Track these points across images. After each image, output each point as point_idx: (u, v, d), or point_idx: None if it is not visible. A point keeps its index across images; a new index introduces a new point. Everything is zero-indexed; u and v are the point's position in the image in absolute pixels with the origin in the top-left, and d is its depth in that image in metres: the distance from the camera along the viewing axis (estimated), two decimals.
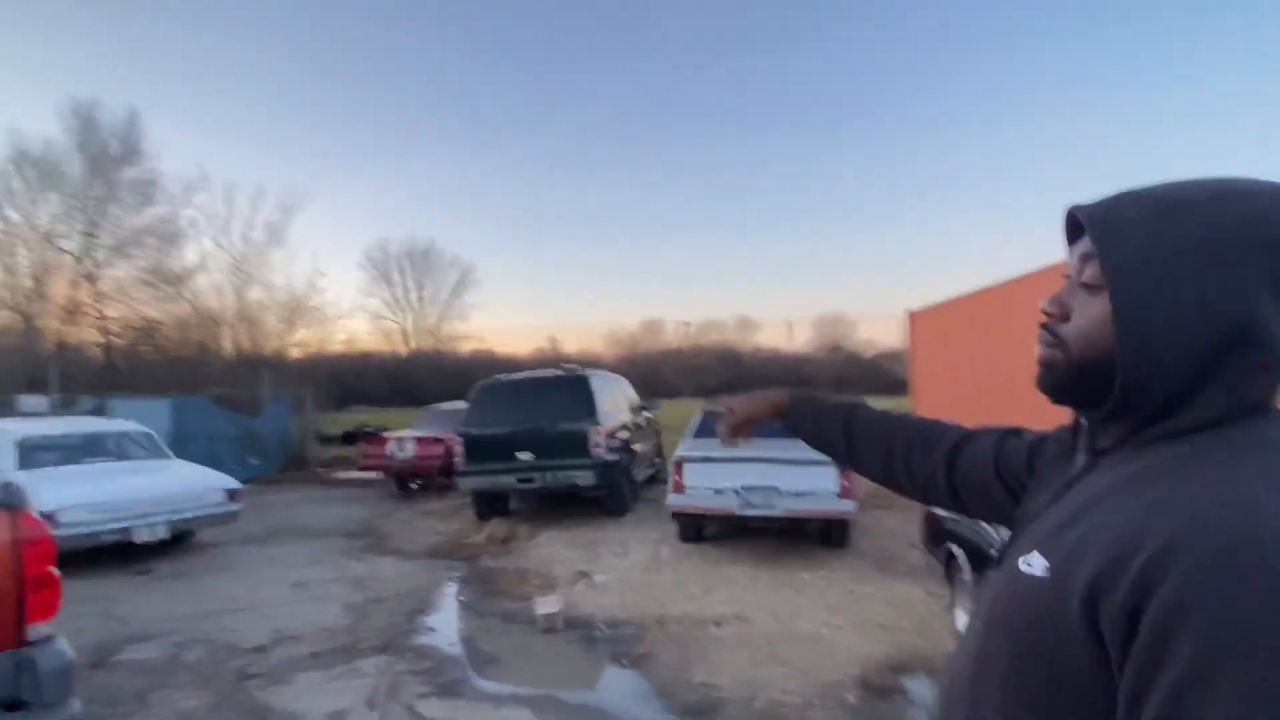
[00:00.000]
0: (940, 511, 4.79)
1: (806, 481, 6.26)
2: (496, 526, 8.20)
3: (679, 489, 6.62)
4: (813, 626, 4.87)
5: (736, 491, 6.37)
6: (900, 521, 8.06)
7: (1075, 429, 0.85)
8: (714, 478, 6.50)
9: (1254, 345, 0.65)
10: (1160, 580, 0.57)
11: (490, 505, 8.85)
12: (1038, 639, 0.67)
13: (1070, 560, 0.65)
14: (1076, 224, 0.78)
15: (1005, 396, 8.10)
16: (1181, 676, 0.55)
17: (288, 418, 15.01)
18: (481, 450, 8.55)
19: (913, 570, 6.09)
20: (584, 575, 6.27)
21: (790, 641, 4.61)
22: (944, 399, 10.20)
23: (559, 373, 9.01)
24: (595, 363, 9.49)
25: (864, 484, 10.33)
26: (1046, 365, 0.78)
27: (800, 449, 6.63)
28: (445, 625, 5.33)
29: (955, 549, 4.29)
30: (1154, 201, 0.71)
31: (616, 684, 4.14)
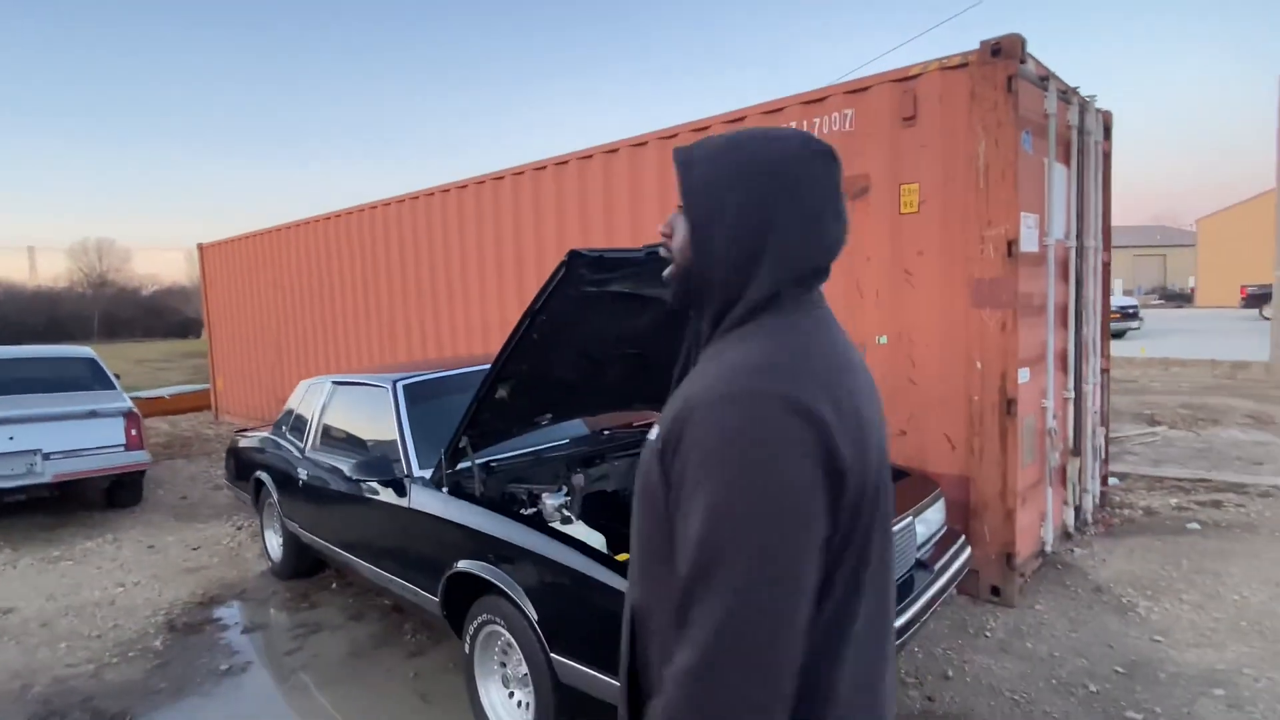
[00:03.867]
0: (245, 443, 4.96)
1: (83, 438, 5.40)
2: None
3: None
4: (104, 592, 4.42)
5: None
6: (202, 468, 7.77)
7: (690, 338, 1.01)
8: None
9: (775, 246, 0.85)
10: (682, 430, 0.78)
11: None
12: (646, 485, 0.85)
13: (662, 424, 0.84)
14: None
15: (292, 322, 8.70)
16: (682, 494, 0.77)
17: None
18: None
19: (218, 510, 6.06)
20: None
21: (75, 616, 4.09)
22: (239, 328, 10.10)
23: None
24: None
25: (153, 432, 9.48)
26: (669, 279, 0.93)
27: (69, 402, 5.79)
28: None
29: (263, 475, 4.53)
30: (717, 142, 0.89)
31: None
